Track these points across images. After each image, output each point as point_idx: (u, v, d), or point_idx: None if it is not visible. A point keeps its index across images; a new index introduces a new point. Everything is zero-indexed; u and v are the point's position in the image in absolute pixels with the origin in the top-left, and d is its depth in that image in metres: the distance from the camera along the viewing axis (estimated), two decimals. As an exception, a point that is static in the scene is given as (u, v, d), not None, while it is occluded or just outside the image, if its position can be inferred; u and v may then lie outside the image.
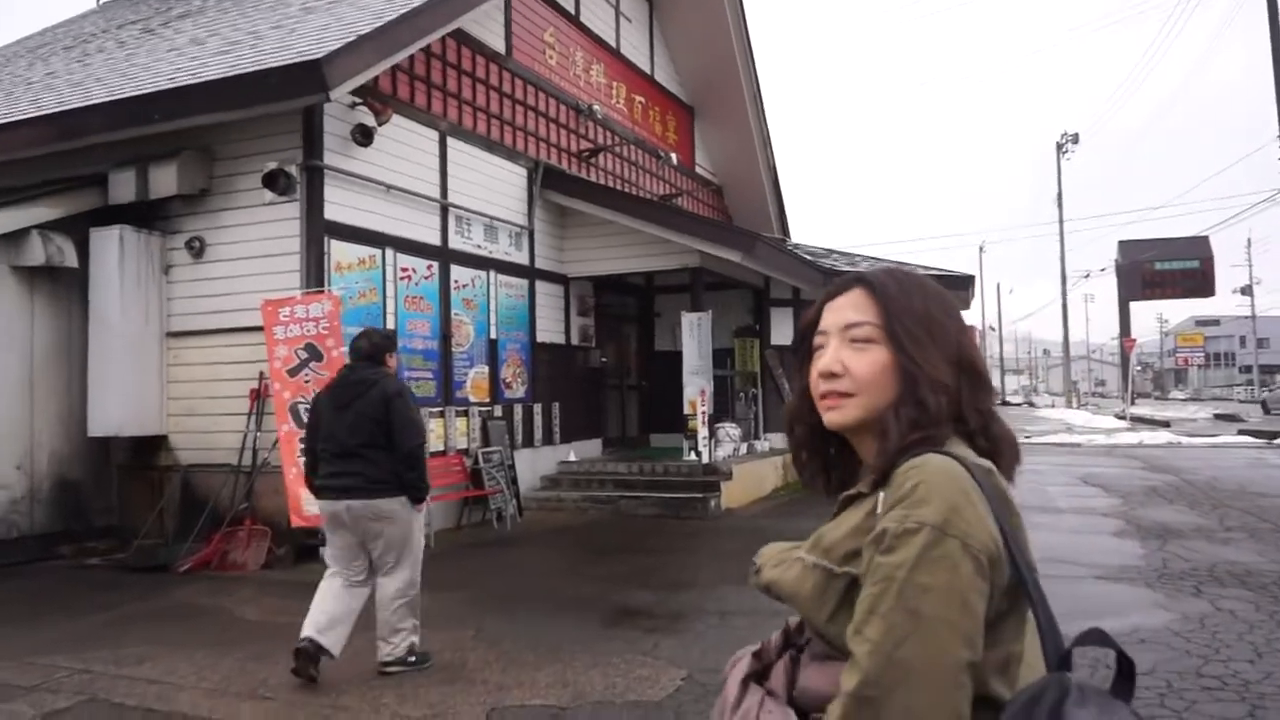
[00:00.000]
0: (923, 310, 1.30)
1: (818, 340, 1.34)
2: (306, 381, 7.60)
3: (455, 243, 10.28)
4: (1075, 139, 42.83)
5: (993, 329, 64.74)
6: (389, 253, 9.19)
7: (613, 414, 14.26)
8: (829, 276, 13.82)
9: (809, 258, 14.20)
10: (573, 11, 13.14)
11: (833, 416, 1.31)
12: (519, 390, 11.39)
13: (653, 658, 5.03)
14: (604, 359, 13.61)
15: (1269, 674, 4.58)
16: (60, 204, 8.54)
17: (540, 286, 11.91)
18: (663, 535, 9.30)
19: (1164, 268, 39.53)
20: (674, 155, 15.61)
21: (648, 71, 15.59)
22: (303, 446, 7.54)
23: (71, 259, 8.50)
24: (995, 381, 65.06)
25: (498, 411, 10.83)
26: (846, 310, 1.32)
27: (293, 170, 8.27)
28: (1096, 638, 1.09)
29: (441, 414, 9.89)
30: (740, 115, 17.42)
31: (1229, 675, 4.58)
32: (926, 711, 1.06)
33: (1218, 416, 34.56)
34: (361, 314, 8.75)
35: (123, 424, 8.53)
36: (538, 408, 11.69)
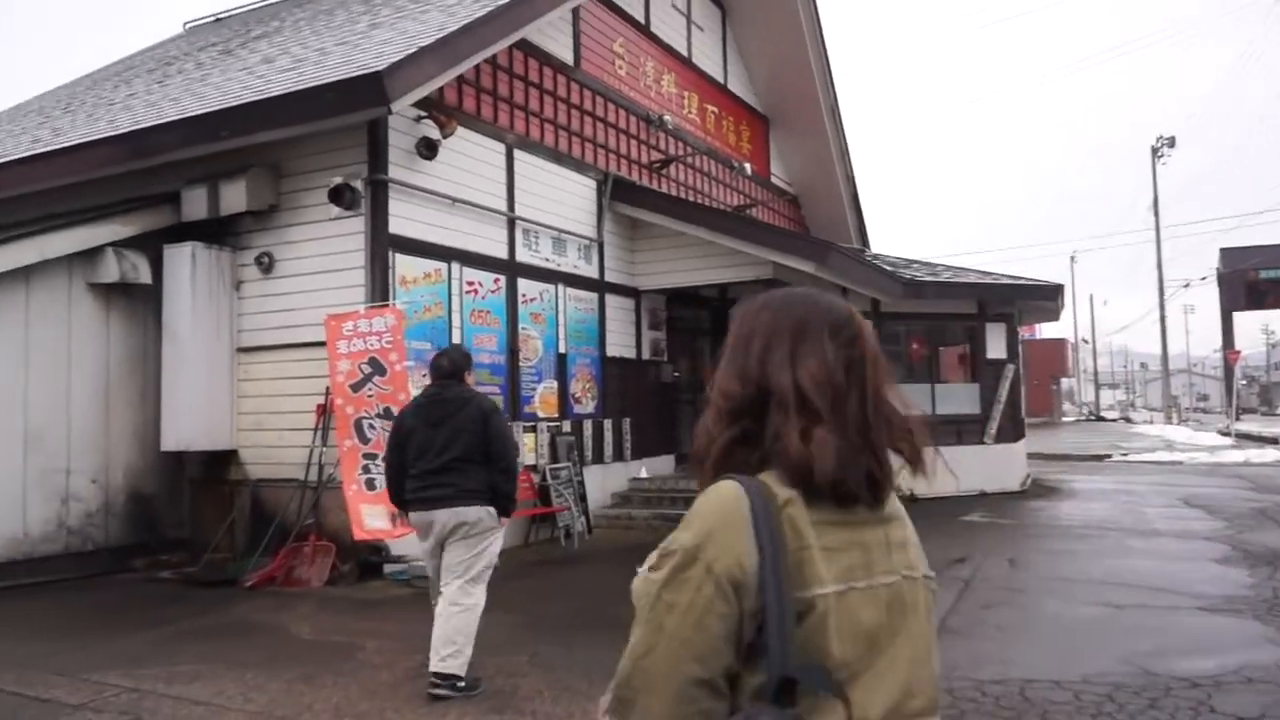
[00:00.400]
0: (732, 329, 1.37)
1: None
2: (370, 396, 7.53)
3: (523, 256, 10.16)
4: (1171, 142, 41.03)
5: (1085, 341, 62.56)
6: (455, 266, 9.11)
7: (686, 430, 13.97)
8: (909, 288, 13.35)
9: (888, 268, 13.74)
10: (643, 21, 12.99)
11: None
12: (589, 405, 11.21)
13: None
14: (677, 373, 13.36)
15: (1405, 724, 4.08)
16: (134, 221, 8.67)
17: (610, 300, 11.73)
18: (733, 555, 8.98)
19: (1269, 275, 37.61)
20: (748, 166, 15.32)
21: (721, 81, 15.35)
22: (362, 462, 7.48)
23: (145, 275, 8.62)
24: (1089, 396, 62.67)
25: (566, 427, 10.66)
26: None
27: (357, 184, 8.25)
28: (819, 678, 1.15)
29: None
30: (817, 125, 17.05)
31: (1358, 725, 4.09)
32: (659, 718, 1.14)
33: (1332, 433, 32.58)
34: (427, 329, 8.68)
35: (193, 438, 8.60)
36: (608, 423, 11.49)
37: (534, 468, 9.97)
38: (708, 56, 14.97)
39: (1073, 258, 58.60)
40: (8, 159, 9.53)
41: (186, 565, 8.52)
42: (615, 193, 11.75)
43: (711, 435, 1.29)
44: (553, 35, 10.83)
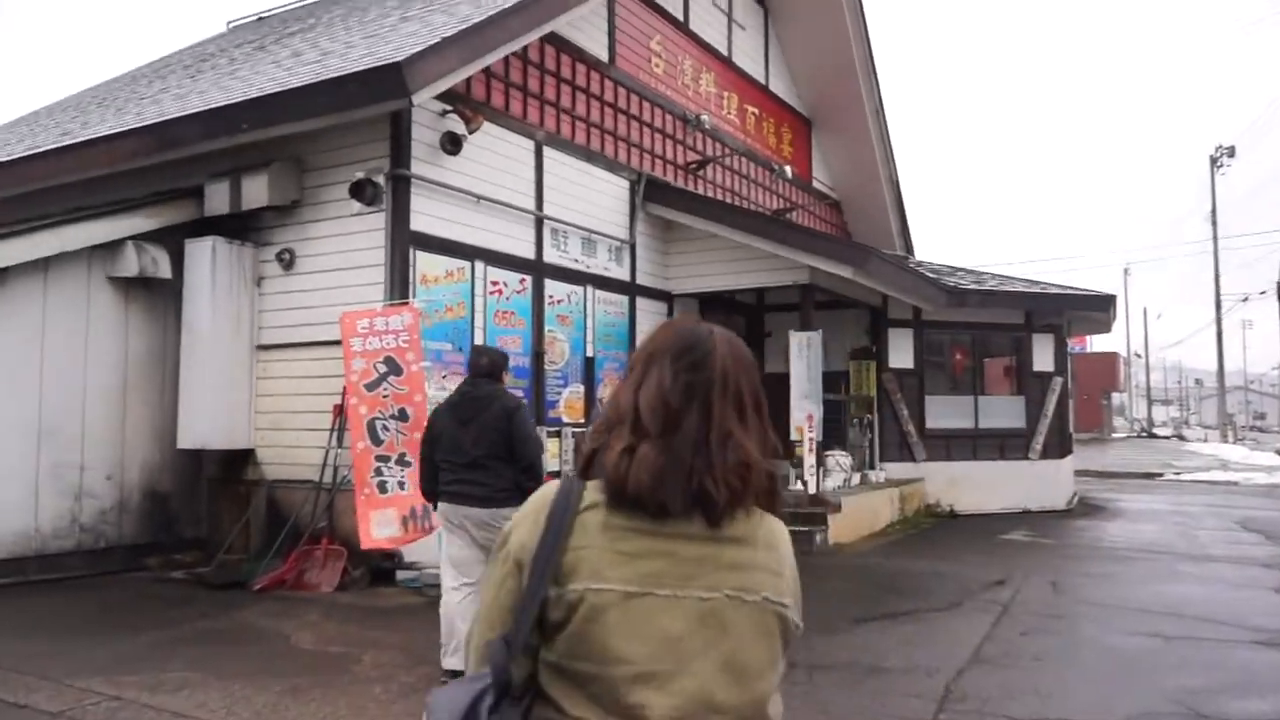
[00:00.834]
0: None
1: None
2: (384, 396, 7.31)
3: (550, 256, 9.91)
4: (1231, 152, 39.80)
5: (1139, 356, 61.03)
6: (479, 265, 8.88)
7: (718, 437, 13.63)
8: (953, 296, 12.90)
9: (931, 275, 13.29)
10: (681, 19, 12.69)
11: None
12: (616, 411, 10.90)
13: None
14: (709, 380, 13.00)
15: None
16: (157, 215, 8.55)
17: (641, 303, 11.44)
18: (760, 570, 8.63)
19: (1334, 291, 36.16)
20: (788, 168, 14.94)
21: (762, 81, 15.00)
22: (375, 465, 7.26)
23: (165, 270, 8.49)
24: (1140, 412, 61.20)
25: (592, 432, 10.37)
26: None
27: (379, 180, 8.05)
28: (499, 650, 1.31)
29: (532, 434, 9.49)
30: (861, 128, 16.62)
31: None
32: (469, 660, 1.42)
33: (1398, 455, 31.29)
34: (448, 329, 8.46)
35: (209, 437, 8.45)
36: (636, 429, 11.18)
37: (558, 474, 9.69)
38: (749, 56, 14.63)
39: (1126, 270, 57.12)
40: (34, 152, 9.48)
41: (200, 566, 8.35)
42: (648, 193, 11.46)
43: (585, 445, 1.43)
44: (586, 31, 10.58)
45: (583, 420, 10.24)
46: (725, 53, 13.86)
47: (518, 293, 9.42)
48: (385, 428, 7.26)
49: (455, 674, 4.55)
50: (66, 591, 7.37)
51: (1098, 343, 44.78)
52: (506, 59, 9.18)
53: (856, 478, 11.88)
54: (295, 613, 6.60)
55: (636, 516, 1.31)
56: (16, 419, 7.69)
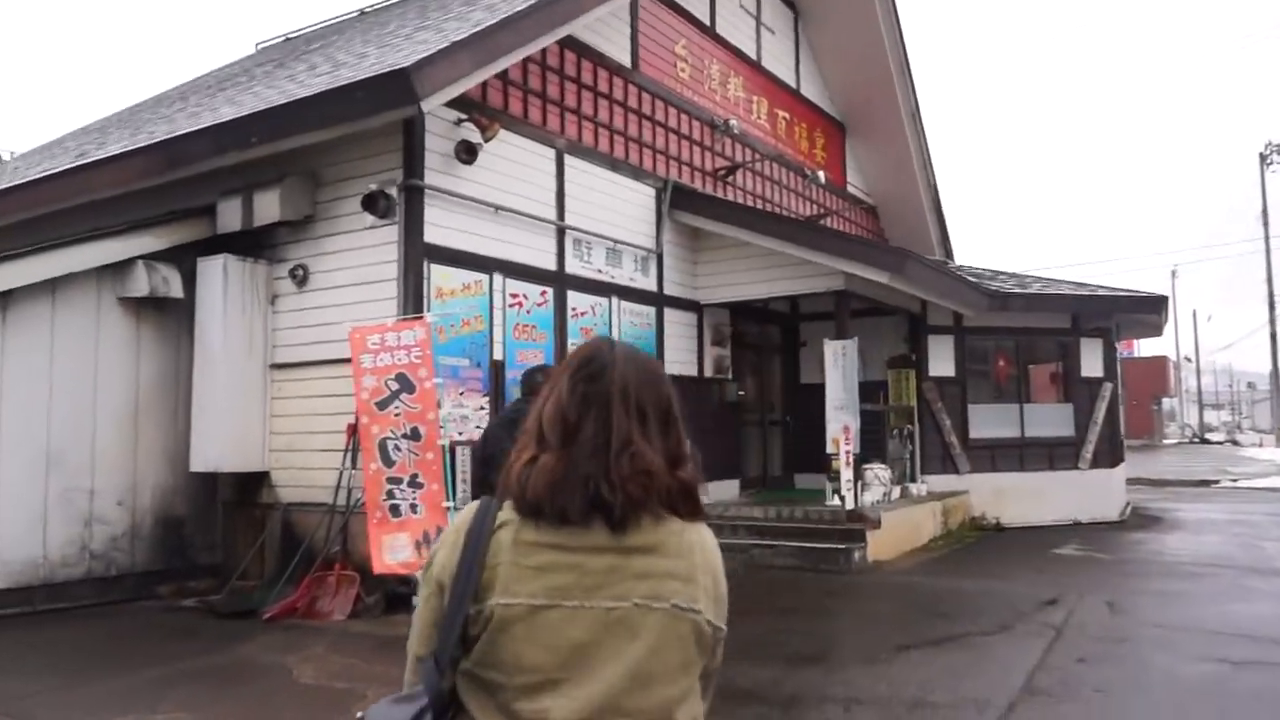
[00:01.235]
0: None
1: None
2: (396, 415, 7.00)
3: (573, 267, 9.58)
4: (1283, 149, 38.60)
5: (1188, 360, 59.40)
6: (497, 278, 8.57)
7: (753, 452, 13.22)
8: (994, 300, 12.38)
9: (971, 279, 12.78)
10: (707, 22, 12.35)
11: None
12: (645, 426, 10.53)
13: (748, 765, 4.02)
14: (742, 392, 12.60)
15: None
16: (168, 234, 8.35)
17: (669, 314, 11.07)
18: (795, 592, 8.20)
19: (1395, 290, 34.88)
20: (821, 173, 14.53)
21: (793, 85, 14.60)
22: (386, 487, 6.95)
23: (177, 289, 8.28)
24: (1191, 417, 59.61)
25: (620, 449, 10.00)
26: None
27: (392, 191, 7.78)
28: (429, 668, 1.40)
29: (556, 451, 9.15)
30: (897, 131, 16.16)
31: None
32: (404, 685, 1.47)
33: None
34: (465, 343, 8.16)
35: (222, 459, 8.21)
36: (666, 445, 10.78)
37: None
38: (779, 60, 14.25)
39: (1173, 272, 55.60)
40: (45, 174, 9.35)
41: (214, 593, 8.09)
42: (675, 201, 11.11)
43: (508, 463, 1.47)
44: (607, 35, 10.27)
45: (609, 436, 9.87)
46: (754, 57, 13.49)
47: (539, 305, 9.10)
48: (397, 448, 6.94)
49: None
50: (72, 622, 7.14)
51: (1145, 347, 43.60)
52: (524, 65, 8.91)
53: (896, 491, 11.38)
54: (300, 645, 6.27)
55: (545, 531, 1.36)
56: (24, 443, 7.49)
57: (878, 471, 11.00)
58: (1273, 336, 40.04)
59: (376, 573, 6.87)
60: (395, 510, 6.87)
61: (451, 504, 6.77)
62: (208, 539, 8.68)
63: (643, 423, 1.41)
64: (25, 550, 7.43)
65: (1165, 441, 48.05)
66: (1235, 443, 50.97)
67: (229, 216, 8.43)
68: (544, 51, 9.13)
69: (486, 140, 8.17)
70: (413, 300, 7.69)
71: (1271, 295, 39.77)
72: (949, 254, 17.47)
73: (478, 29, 7.47)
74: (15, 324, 7.53)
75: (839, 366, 10.43)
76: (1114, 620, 7.12)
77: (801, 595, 8.06)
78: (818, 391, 10.84)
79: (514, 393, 8.13)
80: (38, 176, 9.39)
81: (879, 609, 7.55)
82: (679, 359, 11.20)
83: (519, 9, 7.91)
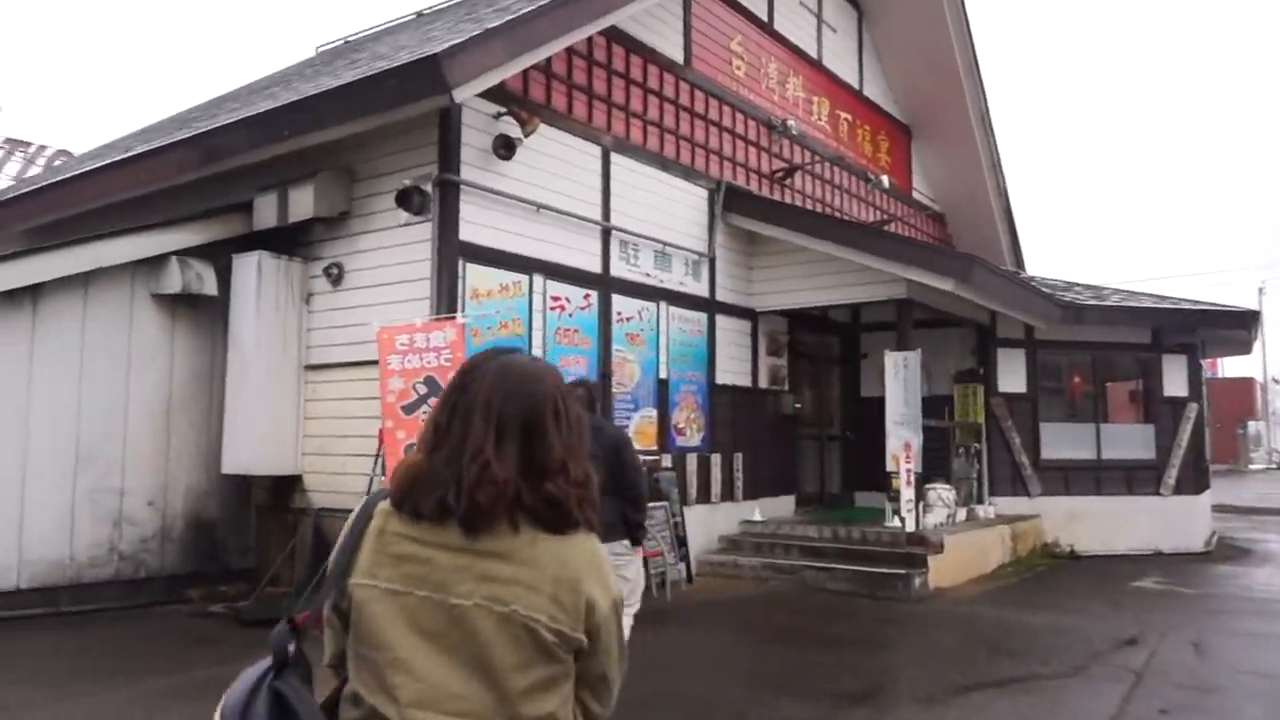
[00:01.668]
0: None
1: None
2: (423, 420, 6.65)
3: (618, 270, 9.18)
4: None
5: (1276, 381, 56.72)
6: (537, 279, 8.21)
7: (809, 468, 12.66)
8: (1068, 311, 11.67)
9: (1044, 290, 12.07)
10: (765, 19, 11.89)
11: None
12: (694, 438, 10.08)
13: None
14: (798, 405, 12.06)
15: None
16: (203, 230, 8.16)
17: (721, 321, 10.60)
18: (849, 620, 7.65)
19: None
20: (885, 178, 13.94)
21: (855, 86, 14.05)
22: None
23: (211, 286, 8.08)
24: (1279, 441, 56.85)
25: (666, 461, 9.56)
26: None
27: (427, 187, 7.48)
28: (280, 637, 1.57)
29: (597, 462, 8.74)
30: (965, 135, 15.47)
31: None
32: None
33: None
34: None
35: (253, 461, 7.98)
36: (716, 458, 10.32)
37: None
38: (840, 59, 13.71)
39: (1261, 289, 52.85)
40: (81, 171, 9.28)
41: (245, 598, 7.85)
42: (729, 203, 10.65)
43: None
44: (657, 30, 9.88)
45: (655, 448, 9.44)
46: (815, 55, 12.98)
47: (582, 309, 8.72)
48: (424, 454, 6.60)
49: None
50: (94, 625, 6.93)
51: (1229, 366, 41.70)
52: (568, 58, 8.56)
53: (962, 513, 10.71)
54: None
55: (408, 525, 1.48)
56: (52, 441, 7.33)
57: (941, 492, 10.37)
58: (1370, 358, 37.91)
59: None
60: (420, 520, 6.52)
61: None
62: (241, 542, 8.46)
63: (500, 434, 1.48)
64: (51, 550, 7.26)
65: (1251, 467, 45.84)
66: (1327, 469, 48.43)
67: (264, 213, 8.22)
68: (589, 44, 8.78)
69: (526, 135, 7.82)
70: (446, 300, 7.37)
71: (1369, 314, 37.60)
72: (1020, 264, 16.69)
73: (512, 17, 7.13)
74: (46, 319, 7.38)
75: (900, 379, 9.85)
76: (1201, 665, 6.44)
77: (855, 623, 7.51)
78: (879, 405, 10.27)
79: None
80: (75, 173, 9.33)
81: (939, 642, 6.97)
82: (731, 369, 10.72)
83: (559, -2, 7.56)
